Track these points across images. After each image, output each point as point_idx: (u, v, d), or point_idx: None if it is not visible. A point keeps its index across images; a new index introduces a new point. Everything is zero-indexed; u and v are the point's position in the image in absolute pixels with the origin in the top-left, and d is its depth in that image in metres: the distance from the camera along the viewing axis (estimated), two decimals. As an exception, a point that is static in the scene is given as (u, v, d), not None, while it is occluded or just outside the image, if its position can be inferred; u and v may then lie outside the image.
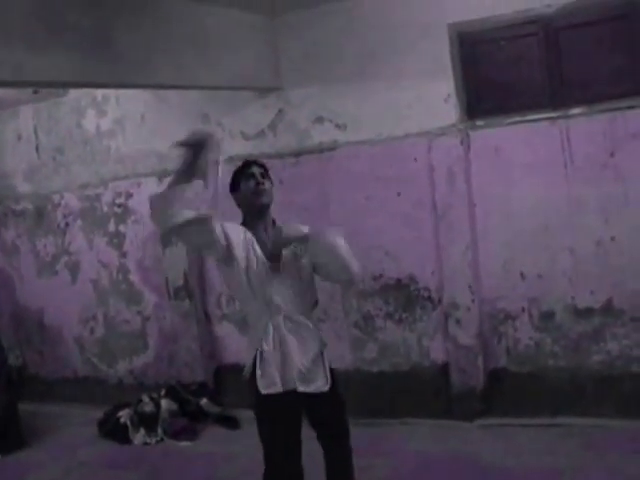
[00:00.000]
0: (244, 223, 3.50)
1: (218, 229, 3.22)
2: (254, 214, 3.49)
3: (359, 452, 4.67)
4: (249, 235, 3.40)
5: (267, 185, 3.49)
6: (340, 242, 3.37)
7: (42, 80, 4.04)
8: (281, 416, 3.41)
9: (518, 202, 5.22)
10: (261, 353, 3.38)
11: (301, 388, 3.38)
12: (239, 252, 3.34)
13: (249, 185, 3.46)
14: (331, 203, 5.70)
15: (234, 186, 3.55)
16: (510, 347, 5.40)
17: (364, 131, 5.56)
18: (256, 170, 3.51)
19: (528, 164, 5.16)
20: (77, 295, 7.09)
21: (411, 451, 5.00)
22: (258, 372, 3.35)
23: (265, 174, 3.53)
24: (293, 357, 3.39)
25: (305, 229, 3.52)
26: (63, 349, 7.31)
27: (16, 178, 7.34)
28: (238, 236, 3.36)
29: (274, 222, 3.58)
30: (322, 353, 3.49)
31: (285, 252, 3.44)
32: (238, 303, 3.86)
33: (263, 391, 3.34)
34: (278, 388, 3.34)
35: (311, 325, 3.50)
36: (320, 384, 3.44)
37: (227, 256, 3.33)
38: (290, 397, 3.38)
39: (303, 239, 3.43)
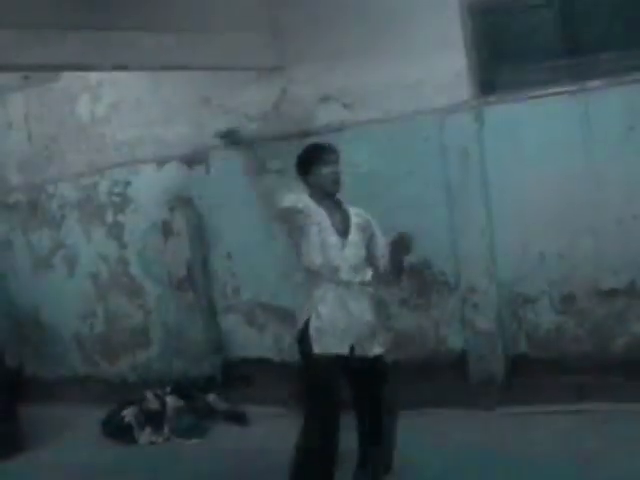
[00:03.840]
0: (313, 197, 3.67)
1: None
2: (324, 195, 3.69)
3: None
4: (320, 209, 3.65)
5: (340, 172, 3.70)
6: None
7: (33, 63, 3.83)
8: None
9: (536, 180, 5.09)
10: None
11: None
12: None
13: (327, 174, 3.65)
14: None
15: (306, 169, 3.70)
16: (530, 332, 5.30)
17: (372, 110, 5.42)
18: (332, 157, 3.67)
19: (545, 140, 5.04)
20: (75, 290, 6.97)
21: (429, 442, 4.82)
22: None
23: (338, 160, 3.70)
24: None
25: (363, 214, 3.85)
26: (62, 347, 7.20)
27: (7, 169, 7.23)
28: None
29: (339, 201, 3.79)
30: None
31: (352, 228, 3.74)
32: None
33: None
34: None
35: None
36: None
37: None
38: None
39: (366, 225, 3.81)
